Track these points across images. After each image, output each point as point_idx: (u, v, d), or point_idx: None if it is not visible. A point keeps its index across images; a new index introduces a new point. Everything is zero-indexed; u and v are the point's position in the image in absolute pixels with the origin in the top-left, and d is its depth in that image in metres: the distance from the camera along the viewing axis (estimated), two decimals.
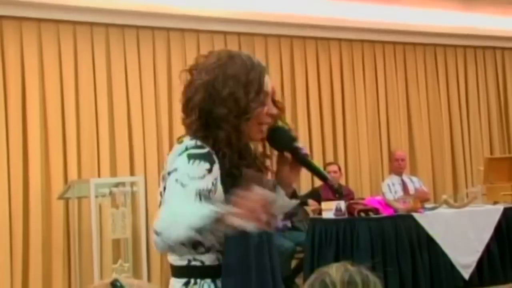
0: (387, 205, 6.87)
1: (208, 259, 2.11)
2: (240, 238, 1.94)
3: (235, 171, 2.14)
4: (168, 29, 7.98)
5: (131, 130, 7.65)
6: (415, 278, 6.52)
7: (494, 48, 10.22)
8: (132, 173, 7.52)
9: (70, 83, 7.39)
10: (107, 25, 7.64)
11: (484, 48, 10.14)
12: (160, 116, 7.81)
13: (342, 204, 6.63)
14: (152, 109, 7.79)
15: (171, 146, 2.54)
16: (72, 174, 7.25)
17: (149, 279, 6.94)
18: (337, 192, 7.33)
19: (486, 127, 10.05)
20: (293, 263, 7.43)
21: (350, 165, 8.98)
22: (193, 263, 2.11)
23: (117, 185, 6.88)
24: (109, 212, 6.72)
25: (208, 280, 2.11)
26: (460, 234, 6.82)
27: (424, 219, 6.72)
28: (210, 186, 2.03)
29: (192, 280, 2.11)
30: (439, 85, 9.79)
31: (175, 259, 2.15)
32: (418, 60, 9.66)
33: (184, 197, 1.96)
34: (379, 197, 7.28)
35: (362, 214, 6.63)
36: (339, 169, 8.33)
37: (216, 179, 2.07)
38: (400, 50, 9.55)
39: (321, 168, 2.38)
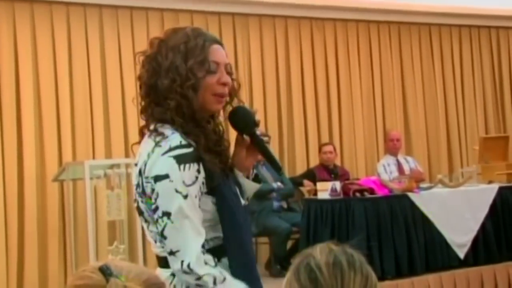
0: (383, 185, 6.87)
1: None
2: (235, 219, 2.10)
3: (218, 148, 2.14)
4: (162, 10, 7.93)
5: (125, 112, 7.62)
6: (410, 258, 6.52)
7: (489, 27, 10.18)
8: (126, 154, 7.47)
9: (63, 64, 7.35)
10: (100, 6, 7.59)
11: (479, 27, 10.11)
12: None
13: (337, 185, 6.62)
14: None
15: None
16: (67, 156, 7.23)
17: (144, 260, 6.94)
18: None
19: (481, 106, 10.04)
20: (289, 243, 7.44)
21: (345, 145, 8.98)
22: None
23: (111, 167, 6.86)
24: (104, 194, 6.70)
25: None
26: (455, 214, 6.82)
27: (419, 199, 6.71)
28: (200, 187, 2.05)
29: None
30: (434, 65, 9.77)
31: (161, 251, 2.10)
32: (413, 39, 9.63)
33: (191, 228, 2.02)
34: (374, 177, 7.28)
35: (357, 194, 6.61)
36: (334, 149, 8.33)
37: (203, 176, 2.06)
38: (395, 30, 9.52)
39: (277, 158, 2.31)
